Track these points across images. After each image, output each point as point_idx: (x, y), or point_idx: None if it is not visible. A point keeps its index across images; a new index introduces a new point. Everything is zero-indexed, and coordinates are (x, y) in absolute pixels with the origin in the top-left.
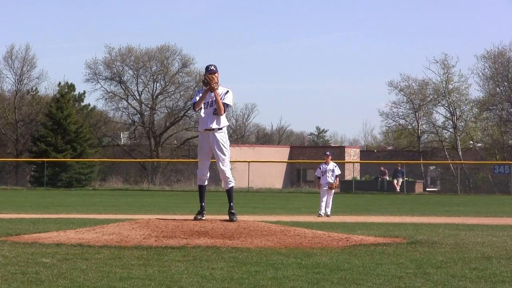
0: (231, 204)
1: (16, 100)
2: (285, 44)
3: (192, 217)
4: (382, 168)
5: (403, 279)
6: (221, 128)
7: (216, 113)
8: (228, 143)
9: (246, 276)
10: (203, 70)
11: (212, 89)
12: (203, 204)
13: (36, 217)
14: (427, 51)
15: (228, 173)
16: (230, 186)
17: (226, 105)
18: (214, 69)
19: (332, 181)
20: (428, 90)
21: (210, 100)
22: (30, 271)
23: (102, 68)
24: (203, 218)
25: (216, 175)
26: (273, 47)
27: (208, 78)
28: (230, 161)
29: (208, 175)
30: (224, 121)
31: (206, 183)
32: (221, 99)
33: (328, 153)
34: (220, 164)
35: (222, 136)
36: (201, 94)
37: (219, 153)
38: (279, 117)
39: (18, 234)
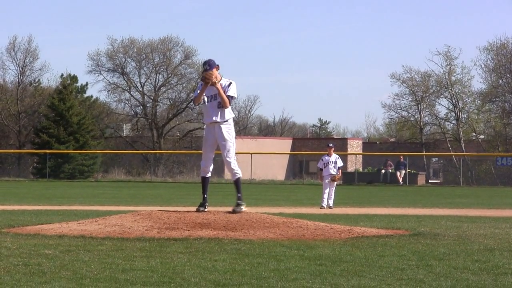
0: (239, 194)
1: (19, 92)
2: (288, 36)
3: (194, 208)
4: (388, 161)
5: (406, 271)
6: (226, 120)
7: (221, 106)
8: (234, 135)
9: (249, 268)
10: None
11: (214, 84)
12: (205, 196)
13: (38, 209)
14: (429, 43)
15: (233, 165)
16: (237, 177)
17: (230, 97)
18: (208, 68)
19: (335, 173)
20: (431, 82)
21: (213, 93)
22: (32, 262)
23: (105, 59)
24: (206, 210)
25: (219, 166)
26: (275, 39)
27: (207, 75)
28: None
29: (212, 167)
30: (228, 113)
31: (209, 175)
32: (225, 92)
33: (330, 145)
34: (226, 156)
35: (228, 128)
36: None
37: (224, 145)
38: (281, 109)
39: (20, 225)
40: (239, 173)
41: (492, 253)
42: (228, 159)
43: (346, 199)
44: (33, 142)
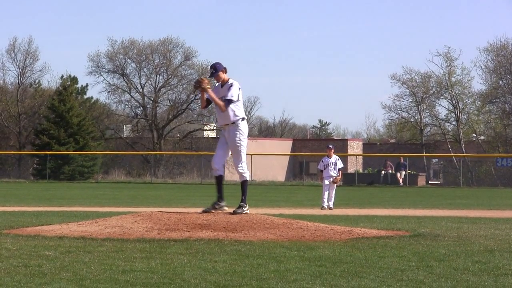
0: (243, 197)
1: (19, 93)
2: (288, 37)
3: (194, 210)
4: (388, 162)
5: (406, 272)
6: (233, 122)
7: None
8: (243, 137)
9: (249, 269)
10: (206, 63)
11: (204, 90)
12: (218, 195)
13: (38, 210)
14: (429, 44)
15: (240, 167)
16: (243, 179)
17: (227, 101)
18: (214, 72)
19: (335, 175)
20: (431, 83)
21: (218, 96)
22: (32, 264)
23: (105, 61)
24: (212, 210)
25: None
26: (276, 39)
27: (198, 82)
28: None
29: (222, 166)
30: (233, 115)
31: (218, 174)
32: (224, 96)
33: (330, 146)
34: (233, 158)
35: (236, 130)
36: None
37: (232, 147)
38: (281, 110)
39: (20, 227)
40: (246, 176)
41: (493, 254)
42: (235, 161)
43: (346, 200)
44: (33, 144)
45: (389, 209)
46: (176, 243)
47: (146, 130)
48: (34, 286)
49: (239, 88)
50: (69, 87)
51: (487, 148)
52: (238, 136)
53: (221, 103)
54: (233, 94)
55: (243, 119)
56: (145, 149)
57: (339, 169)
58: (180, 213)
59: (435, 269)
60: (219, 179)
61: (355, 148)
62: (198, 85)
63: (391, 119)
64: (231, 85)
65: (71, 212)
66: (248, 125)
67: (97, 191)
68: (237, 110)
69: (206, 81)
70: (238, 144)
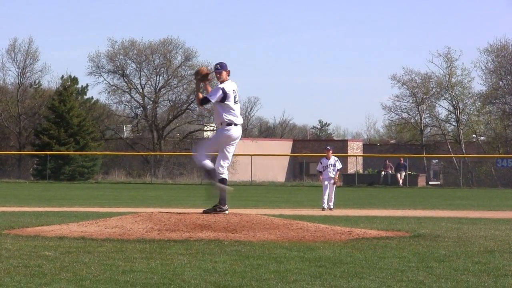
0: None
1: (19, 93)
2: (288, 37)
3: (194, 210)
4: (388, 162)
5: (406, 272)
6: (221, 123)
7: (212, 108)
8: (227, 139)
9: (249, 270)
10: (206, 64)
11: (197, 80)
12: (221, 198)
13: (38, 210)
14: (430, 45)
15: (196, 160)
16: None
17: (204, 98)
18: (219, 68)
19: (333, 176)
20: (431, 84)
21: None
22: (32, 264)
23: (105, 61)
24: (211, 212)
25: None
26: (276, 40)
27: (197, 71)
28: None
29: (225, 169)
30: (220, 117)
31: (221, 177)
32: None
33: (328, 147)
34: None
35: (222, 131)
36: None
37: None
38: (282, 110)
39: (20, 227)
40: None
41: (493, 255)
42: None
43: (346, 201)
44: (33, 144)
45: (389, 210)
46: (176, 244)
47: (146, 130)
48: (34, 287)
49: (224, 91)
50: (69, 88)
51: (487, 149)
52: (220, 137)
53: (198, 97)
54: (212, 94)
55: (230, 123)
56: (145, 149)
57: (337, 170)
58: (180, 214)
59: (435, 269)
60: (222, 182)
61: (355, 148)
62: (195, 74)
63: (391, 120)
64: (217, 86)
65: (71, 213)
66: (248, 126)
67: (97, 191)
68: (224, 113)
69: (201, 72)
70: (219, 146)
